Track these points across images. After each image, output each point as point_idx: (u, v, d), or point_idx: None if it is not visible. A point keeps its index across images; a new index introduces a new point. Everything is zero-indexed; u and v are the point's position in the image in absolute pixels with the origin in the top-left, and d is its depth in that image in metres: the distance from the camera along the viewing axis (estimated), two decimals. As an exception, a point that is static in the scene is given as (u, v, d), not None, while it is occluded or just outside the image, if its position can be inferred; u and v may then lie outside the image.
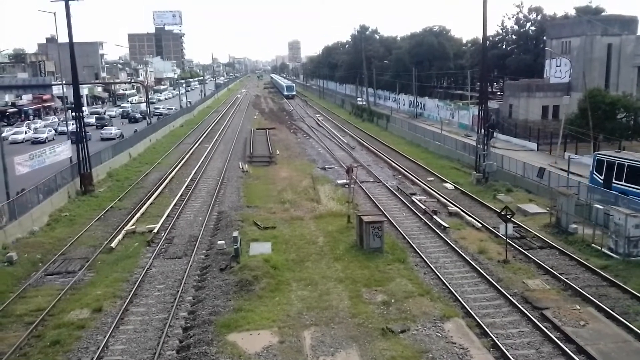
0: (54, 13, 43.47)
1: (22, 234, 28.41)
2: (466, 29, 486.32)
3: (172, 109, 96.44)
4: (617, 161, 31.00)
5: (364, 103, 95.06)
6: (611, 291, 20.50)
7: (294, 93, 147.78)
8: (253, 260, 23.47)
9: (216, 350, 16.79)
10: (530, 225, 28.62)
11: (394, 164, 46.96)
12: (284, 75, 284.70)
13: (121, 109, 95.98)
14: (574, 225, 27.01)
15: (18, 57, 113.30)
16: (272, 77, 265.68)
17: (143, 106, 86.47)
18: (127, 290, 21.70)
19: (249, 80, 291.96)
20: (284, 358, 16.37)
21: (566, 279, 21.55)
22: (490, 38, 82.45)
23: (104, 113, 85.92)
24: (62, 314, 19.71)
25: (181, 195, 37.29)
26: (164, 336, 17.88)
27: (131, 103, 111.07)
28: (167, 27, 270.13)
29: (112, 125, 70.13)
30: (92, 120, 73.73)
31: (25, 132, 64.23)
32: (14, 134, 63.35)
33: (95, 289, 21.79)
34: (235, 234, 25.12)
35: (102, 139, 60.69)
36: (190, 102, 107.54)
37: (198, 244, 27.13)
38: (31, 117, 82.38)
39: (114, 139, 60.66)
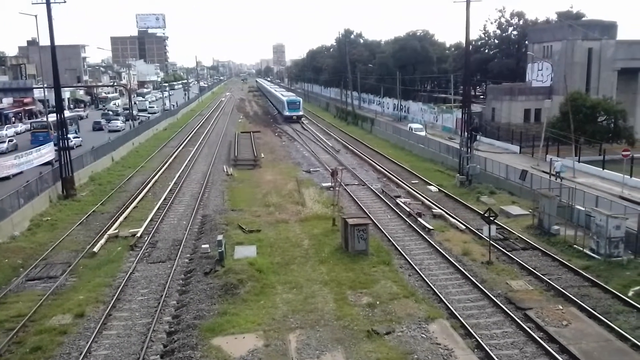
0: (36, 15, 42.61)
1: (3, 239, 27.93)
2: (449, 34, 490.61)
3: (172, 105, 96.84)
4: None
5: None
6: (593, 291, 20.79)
7: (301, 113, 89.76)
8: (238, 263, 23.39)
9: (201, 355, 16.69)
10: (513, 226, 28.91)
11: (378, 167, 47.12)
12: (270, 79, 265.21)
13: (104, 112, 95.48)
14: (556, 227, 27.33)
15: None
16: (257, 82, 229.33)
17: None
18: (110, 295, 21.47)
19: (233, 83, 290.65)
20: (269, 361, 16.31)
21: (549, 279, 21.81)
22: (473, 42, 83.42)
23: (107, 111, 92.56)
24: (44, 319, 19.43)
25: (165, 199, 36.99)
26: (148, 341, 17.73)
27: (107, 107, 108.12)
28: (150, 30, 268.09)
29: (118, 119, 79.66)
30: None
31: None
32: None
33: (77, 294, 21.52)
34: (219, 237, 24.97)
35: (109, 131, 70.52)
36: (174, 105, 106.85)
37: (182, 248, 26.92)
38: (12, 120, 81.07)
39: (119, 130, 69.92)
